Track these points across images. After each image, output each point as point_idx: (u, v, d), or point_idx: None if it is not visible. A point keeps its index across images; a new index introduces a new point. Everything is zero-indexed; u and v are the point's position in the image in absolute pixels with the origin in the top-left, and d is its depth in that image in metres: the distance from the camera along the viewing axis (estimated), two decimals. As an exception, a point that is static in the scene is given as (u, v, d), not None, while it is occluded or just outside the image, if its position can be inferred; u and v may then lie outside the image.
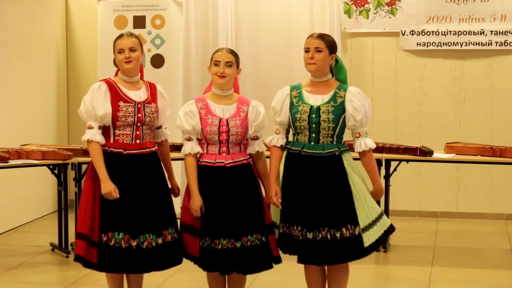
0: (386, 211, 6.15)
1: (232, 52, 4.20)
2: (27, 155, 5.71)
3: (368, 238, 4.07)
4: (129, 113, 4.16)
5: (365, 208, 4.08)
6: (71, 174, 6.11)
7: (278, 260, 4.21)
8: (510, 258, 6.08)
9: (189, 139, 4.16)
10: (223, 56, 4.14)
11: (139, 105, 4.18)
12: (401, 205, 7.45)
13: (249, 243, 4.07)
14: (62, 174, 6.05)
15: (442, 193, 7.48)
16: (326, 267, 4.24)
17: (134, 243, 4.09)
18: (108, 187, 4.08)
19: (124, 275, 4.34)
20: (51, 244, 6.23)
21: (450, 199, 7.47)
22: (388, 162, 6.05)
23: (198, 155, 4.15)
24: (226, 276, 4.23)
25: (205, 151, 4.15)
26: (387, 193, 6.12)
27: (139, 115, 4.17)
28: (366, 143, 4.14)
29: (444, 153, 6.15)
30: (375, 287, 5.47)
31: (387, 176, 6.08)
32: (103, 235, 4.11)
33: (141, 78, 4.33)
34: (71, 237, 6.04)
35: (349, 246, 4.03)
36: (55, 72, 7.80)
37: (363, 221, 4.06)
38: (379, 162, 6.05)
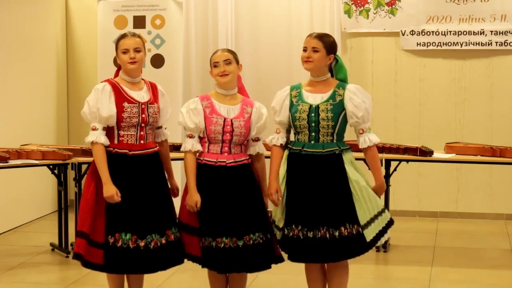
0: (386, 211, 6.16)
1: (229, 50, 4.25)
2: (27, 155, 5.71)
3: (369, 234, 4.09)
4: (134, 114, 4.15)
5: (365, 205, 4.10)
6: (71, 174, 6.11)
7: (279, 260, 4.22)
8: (510, 258, 6.08)
9: (191, 137, 4.16)
10: (220, 56, 4.17)
11: (143, 106, 4.18)
12: (401, 205, 7.45)
13: (251, 242, 4.08)
14: (62, 174, 6.05)
15: (442, 193, 7.48)
16: (326, 267, 4.24)
17: (142, 244, 4.10)
18: (111, 191, 4.08)
19: (125, 275, 4.34)
20: (51, 244, 6.23)
21: (450, 199, 7.47)
22: (388, 162, 6.05)
23: (198, 153, 4.16)
24: (228, 275, 4.24)
25: (207, 150, 4.16)
26: (387, 193, 6.12)
27: (143, 115, 4.17)
28: (370, 138, 4.15)
29: (444, 153, 6.15)
30: (375, 287, 5.47)
31: (387, 176, 6.07)
32: (109, 236, 4.10)
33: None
34: (71, 237, 6.04)
35: (348, 244, 4.04)
36: (55, 72, 7.80)
37: (362, 219, 4.08)
38: (379, 162, 6.07)
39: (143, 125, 4.18)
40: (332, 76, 4.21)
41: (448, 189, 7.46)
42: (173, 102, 4.49)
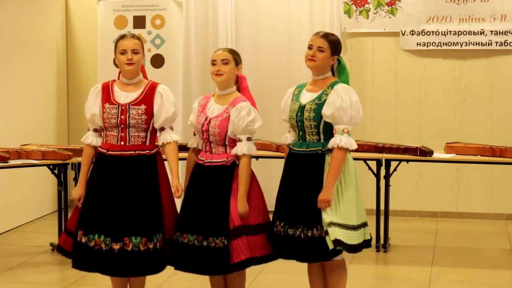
0: (386, 211, 6.15)
1: (229, 50, 4.23)
2: (27, 155, 5.71)
3: (330, 239, 3.92)
4: (112, 115, 4.15)
5: (329, 210, 3.97)
6: (71, 174, 6.12)
7: (233, 269, 4.08)
8: (510, 258, 6.08)
9: (194, 134, 4.29)
10: (219, 55, 4.17)
11: (123, 107, 4.15)
12: (401, 205, 7.45)
13: (202, 244, 4.05)
14: (62, 174, 6.05)
15: (442, 193, 7.48)
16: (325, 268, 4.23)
17: (83, 240, 4.13)
18: (76, 194, 4.23)
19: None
20: (51, 244, 6.22)
21: (450, 199, 7.47)
22: (388, 162, 6.05)
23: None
24: (226, 276, 4.23)
25: (202, 147, 4.25)
26: (387, 193, 6.12)
27: (122, 117, 4.14)
28: (336, 140, 3.95)
29: (444, 153, 6.14)
30: (375, 287, 5.47)
31: (387, 176, 6.07)
32: (77, 231, 4.21)
33: (145, 78, 4.31)
34: (71, 237, 6.06)
35: (315, 247, 3.98)
36: (55, 72, 7.80)
37: (325, 222, 3.94)
38: (379, 162, 6.07)
39: (122, 126, 4.15)
40: (333, 75, 4.19)
41: (448, 189, 7.46)
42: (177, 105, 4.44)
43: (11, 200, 7.00)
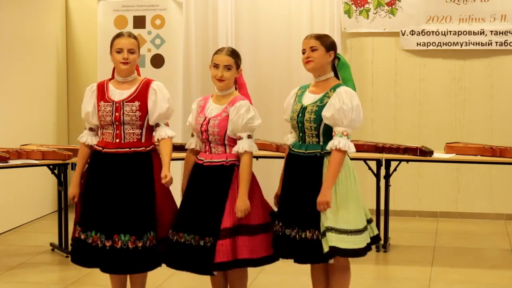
0: (386, 211, 6.15)
1: (232, 54, 4.17)
2: (27, 155, 5.71)
3: (327, 244, 3.91)
4: (107, 112, 4.19)
5: (329, 213, 3.94)
6: (71, 174, 6.08)
7: (213, 268, 4.03)
8: (510, 258, 6.08)
9: (192, 135, 4.29)
10: (222, 59, 4.13)
11: (117, 104, 4.18)
12: (401, 205, 7.45)
13: (192, 243, 4.08)
14: (62, 174, 6.05)
15: (442, 193, 7.48)
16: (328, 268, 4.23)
17: (82, 236, 4.20)
18: (71, 193, 4.29)
19: (128, 275, 4.35)
20: (51, 244, 6.23)
21: (450, 199, 7.47)
22: (388, 162, 6.05)
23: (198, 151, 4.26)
24: (227, 275, 4.24)
25: (201, 148, 4.26)
26: (387, 193, 6.12)
27: (116, 114, 4.17)
28: (335, 142, 3.92)
29: (444, 153, 6.15)
30: (375, 287, 5.47)
31: (387, 176, 6.08)
32: (74, 228, 4.30)
33: (139, 75, 4.34)
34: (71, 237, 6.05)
35: (308, 249, 3.99)
36: (55, 72, 7.80)
37: (322, 225, 3.93)
38: (379, 162, 6.07)
39: (117, 123, 4.18)
40: (336, 76, 4.15)
41: (448, 189, 7.46)
42: (173, 102, 4.44)
43: (11, 200, 7.00)
